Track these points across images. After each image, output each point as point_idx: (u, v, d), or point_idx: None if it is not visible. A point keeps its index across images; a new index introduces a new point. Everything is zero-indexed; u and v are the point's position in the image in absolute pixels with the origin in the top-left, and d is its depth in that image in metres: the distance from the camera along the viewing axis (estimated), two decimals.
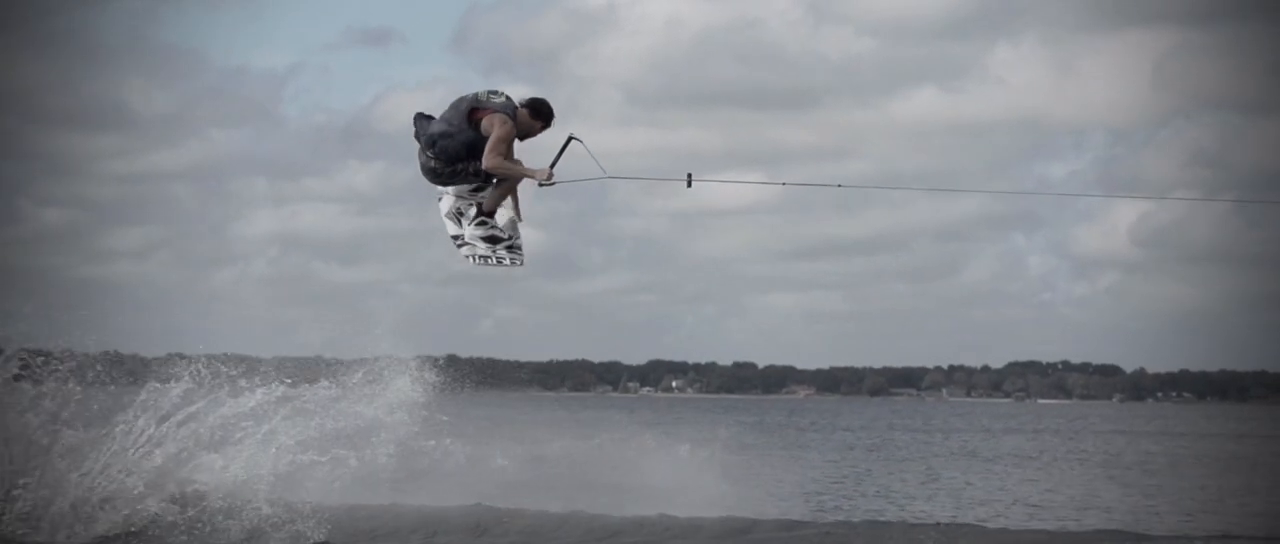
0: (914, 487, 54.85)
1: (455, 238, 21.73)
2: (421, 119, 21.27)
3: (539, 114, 20.95)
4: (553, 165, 20.63)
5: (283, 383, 32.14)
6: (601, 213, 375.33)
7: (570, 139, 20.68)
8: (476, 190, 21.39)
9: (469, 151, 20.70)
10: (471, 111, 20.62)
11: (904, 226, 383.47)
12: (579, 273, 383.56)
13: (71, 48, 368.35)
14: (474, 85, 20.99)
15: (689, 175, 20.84)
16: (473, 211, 21.52)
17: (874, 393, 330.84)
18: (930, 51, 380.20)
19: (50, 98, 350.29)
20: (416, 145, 21.24)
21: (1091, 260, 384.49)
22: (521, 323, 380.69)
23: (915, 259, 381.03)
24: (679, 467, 43.91)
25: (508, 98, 20.77)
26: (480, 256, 21.62)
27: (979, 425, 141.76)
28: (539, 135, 21.09)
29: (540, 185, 20.79)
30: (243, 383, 31.60)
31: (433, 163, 20.84)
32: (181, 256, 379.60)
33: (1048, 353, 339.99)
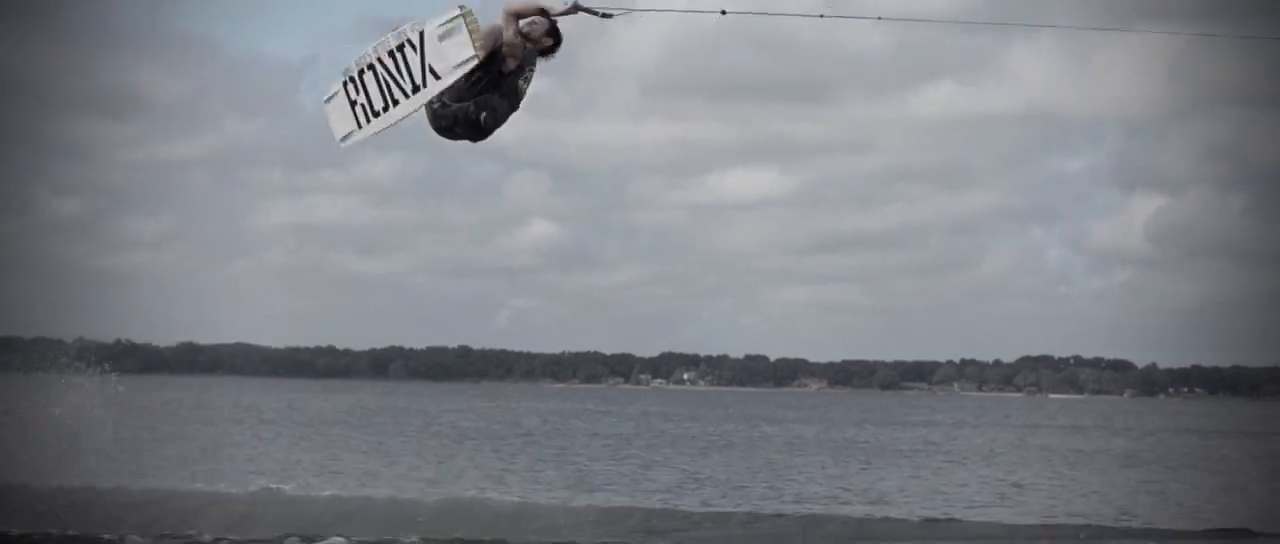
0: (669, 476, 56.62)
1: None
2: None
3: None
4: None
5: None
6: (619, 206, 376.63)
7: None
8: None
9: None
10: None
11: (920, 220, 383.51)
12: (595, 265, 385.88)
13: (86, 35, 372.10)
14: None
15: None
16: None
17: (885, 387, 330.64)
18: (946, 45, 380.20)
19: (65, 85, 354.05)
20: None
21: (1106, 255, 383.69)
22: (537, 315, 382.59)
23: (930, 253, 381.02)
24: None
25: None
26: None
27: (913, 418, 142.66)
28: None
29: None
30: None
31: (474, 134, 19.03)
32: (197, 246, 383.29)
33: (1060, 348, 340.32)
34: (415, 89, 18.63)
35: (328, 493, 41.63)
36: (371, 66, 18.76)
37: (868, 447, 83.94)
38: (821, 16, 22.30)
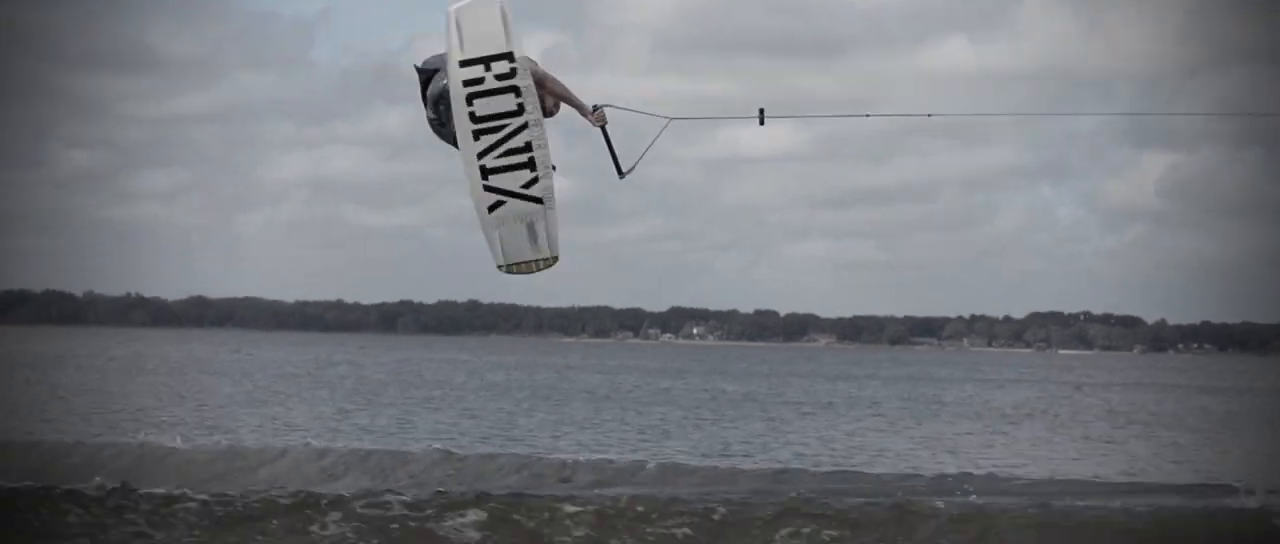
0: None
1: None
2: None
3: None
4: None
5: None
6: (630, 161, 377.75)
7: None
8: None
9: None
10: None
11: (932, 176, 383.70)
12: (606, 219, 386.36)
13: None
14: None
15: (761, 111, 18.87)
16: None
17: (895, 342, 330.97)
18: (958, 1, 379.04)
19: (77, 40, 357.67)
20: None
21: (1117, 212, 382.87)
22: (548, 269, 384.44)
23: (942, 209, 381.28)
24: None
25: None
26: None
27: (859, 372, 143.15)
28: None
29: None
30: None
31: None
32: (208, 200, 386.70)
33: (1070, 304, 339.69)
34: (480, 168, 17.32)
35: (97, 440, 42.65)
36: (520, 107, 17.24)
37: (757, 398, 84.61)
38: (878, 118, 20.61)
